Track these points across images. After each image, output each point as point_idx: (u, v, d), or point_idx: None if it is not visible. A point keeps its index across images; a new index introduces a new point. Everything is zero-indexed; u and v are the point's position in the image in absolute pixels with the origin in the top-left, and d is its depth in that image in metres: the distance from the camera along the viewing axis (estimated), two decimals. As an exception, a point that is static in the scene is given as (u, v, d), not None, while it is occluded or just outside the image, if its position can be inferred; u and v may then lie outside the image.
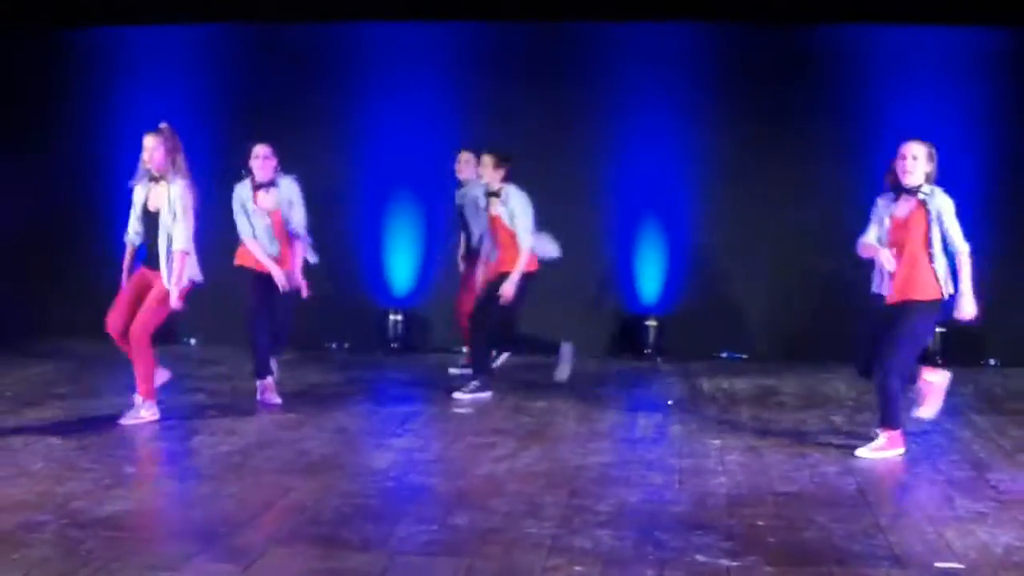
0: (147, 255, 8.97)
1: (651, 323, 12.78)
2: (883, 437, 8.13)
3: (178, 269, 8.79)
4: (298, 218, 9.79)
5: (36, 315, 13.08)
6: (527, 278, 10.23)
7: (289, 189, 9.73)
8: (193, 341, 13.40)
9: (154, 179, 8.83)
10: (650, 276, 12.96)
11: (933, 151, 8.06)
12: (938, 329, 12.32)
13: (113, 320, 8.93)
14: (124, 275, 9.09)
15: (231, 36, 13.30)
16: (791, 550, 5.99)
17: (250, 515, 6.49)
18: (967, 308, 8.08)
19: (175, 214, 8.73)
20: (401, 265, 13.06)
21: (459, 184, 11.31)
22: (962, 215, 12.36)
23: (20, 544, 5.88)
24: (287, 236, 9.80)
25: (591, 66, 12.85)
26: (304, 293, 9.93)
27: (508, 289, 10.09)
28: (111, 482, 7.32)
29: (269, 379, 9.89)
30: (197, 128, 13.01)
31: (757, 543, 6.08)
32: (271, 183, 9.69)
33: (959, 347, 12.33)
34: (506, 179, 10.22)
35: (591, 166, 12.66)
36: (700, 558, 5.82)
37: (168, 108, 12.88)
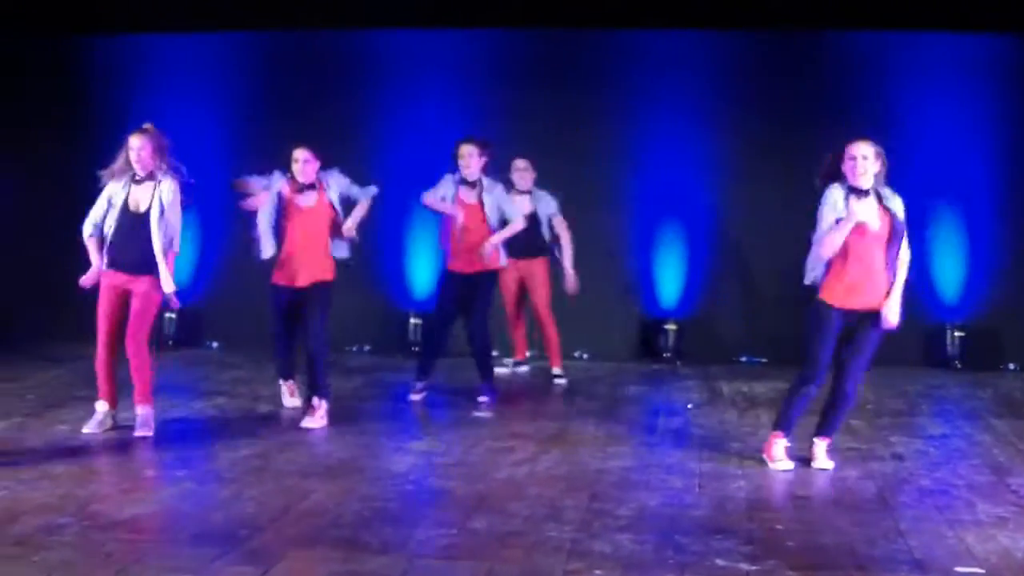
0: (125, 258, 8.52)
1: (670, 327, 12.77)
2: (826, 442, 7.99)
3: (171, 269, 8.55)
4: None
5: (51, 319, 13.12)
6: (495, 275, 10.24)
7: (339, 184, 9.50)
8: (215, 345, 13.43)
9: (137, 180, 8.52)
10: (669, 280, 12.96)
11: (881, 150, 7.73)
12: (957, 333, 12.34)
13: (106, 340, 8.63)
14: (98, 267, 8.61)
15: (252, 44, 13.33)
16: (811, 554, 6.00)
17: (270, 518, 6.51)
18: (895, 316, 7.74)
19: (166, 213, 8.47)
20: (421, 269, 13.08)
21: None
22: (978, 219, 12.39)
23: (41, 546, 5.92)
24: (320, 237, 9.38)
25: (610, 73, 12.86)
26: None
27: (492, 246, 10.04)
28: (132, 485, 7.37)
29: (288, 381, 9.85)
30: (218, 136, 13.13)
31: (777, 547, 6.09)
32: (310, 186, 9.34)
33: (978, 351, 12.31)
34: (484, 169, 10.14)
35: (610, 171, 12.67)
36: (720, 562, 5.83)
37: (189, 115, 12.98)
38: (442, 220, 10.18)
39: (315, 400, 9.27)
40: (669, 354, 12.72)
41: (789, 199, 12.36)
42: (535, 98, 12.68)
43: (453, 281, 10.16)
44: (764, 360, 12.62)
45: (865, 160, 7.65)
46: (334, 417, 9.26)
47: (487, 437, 8.79)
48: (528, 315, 11.71)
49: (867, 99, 12.26)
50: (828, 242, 7.68)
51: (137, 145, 8.44)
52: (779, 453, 7.95)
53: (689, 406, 10.23)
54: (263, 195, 9.39)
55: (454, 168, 10.12)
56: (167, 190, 8.49)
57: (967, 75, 12.37)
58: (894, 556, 5.97)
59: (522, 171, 11.25)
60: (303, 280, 9.32)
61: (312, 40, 13.14)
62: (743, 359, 12.73)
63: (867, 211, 7.67)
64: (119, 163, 8.53)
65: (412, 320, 13.00)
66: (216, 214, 13.25)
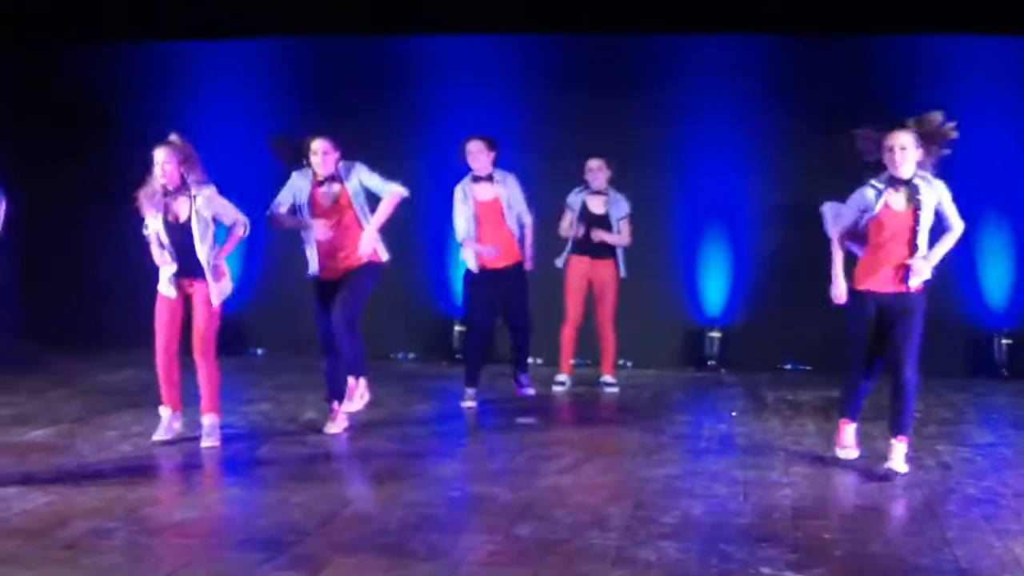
0: (181, 264, 8.48)
1: (715, 334, 12.76)
2: (904, 444, 7.87)
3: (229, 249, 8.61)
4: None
5: (97, 327, 13.23)
6: (522, 266, 10.30)
7: (362, 177, 8.97)
8: (259, 352, 13.49)
9: (168, 193, 8.41)
10: (713, 287, 12.95)
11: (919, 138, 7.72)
12: (1004, 341, 12.26)
13: (165, 346, 8.64)
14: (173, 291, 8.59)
15: (294, 50, 13.40)
16: (857, 563, 5.98)
17: (316, 524, 6.54)
18: (922, 268, 7.74)
19: (207, 220, 8.42)
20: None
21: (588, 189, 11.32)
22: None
23: (90, 550, 5.98)
24: (350, 230, 8.95)
25: (654, 78, 12.84)
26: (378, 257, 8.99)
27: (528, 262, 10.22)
28: (180, 490, 7.44)
29: (334, 403, 9.16)
30: (260, 142, 13.16)
31: (823, 555, 6.07)
32: (331, 178, 8.95)
33: (1025, 358, 12.26)
34: (494, 163, 10.17)
35: (654, 178, 12.62)
36: (765, 570, 5.82)
37: (230, 122, 13.07)
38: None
39: (351, 379, 9.00)
40: (713, 362, 12.71)
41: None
42: (580, 103, 12.67)
43: (481, 278, 10.18)
44: (808, 368, 12.59)
45: (904, 151, 7.66)
46: (379, 423, 9.29)
47: (532, 444, 8.80)
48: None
49: (913, 104, 12.08)
50: (834, 232, 8.10)
51: (162, 159, 8.36)
52: (847, 439, 8.11)
53: (733, 414, 10.21)
54: (293, 220, 9.08)
55: (467, 167, 10.18)
56: (202, 203, 8.43)
57: (1015, 79, 12.30)
58: (941, 566, 5.94)
59: (595, 171, 11.20)
60: (343, 272, 8.98)
61: (363, 46, 13.17)
62: (787, 367, 12.70)
63: (899, 201, 7.75)
64: (153, 183, 8.42)
65: (456, 327, 13.02)
66: (258, 221, 13.29)
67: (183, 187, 8.44)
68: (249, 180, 13.04)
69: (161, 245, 8.50)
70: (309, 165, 9.00)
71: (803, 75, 12.59)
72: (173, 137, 8.51)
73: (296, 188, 9.04)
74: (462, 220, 10.22)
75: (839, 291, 8.00)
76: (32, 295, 13.67)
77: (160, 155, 8.37)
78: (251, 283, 13.52)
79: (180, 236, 8.46)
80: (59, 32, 13.13)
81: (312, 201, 9.02)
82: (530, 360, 10.93)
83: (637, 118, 12.78)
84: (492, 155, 10.16)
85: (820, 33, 12.39)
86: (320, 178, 8.98)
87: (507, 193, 10.18)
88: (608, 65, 12.89)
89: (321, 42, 13.29)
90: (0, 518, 6.53)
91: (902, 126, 7.78)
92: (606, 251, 11.21)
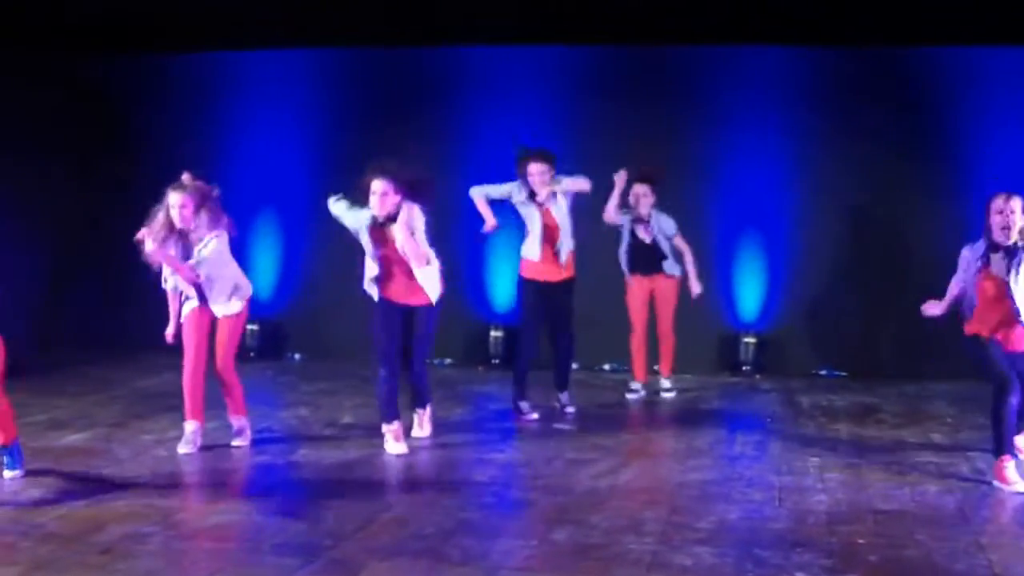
0: (202, 295, 8.51)
1: (750, 340, 12.72)
2: None
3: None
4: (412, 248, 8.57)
5: (133, 330, 13.29)
6: (572, 283, 10.22)
7: (407, 219, 8.52)
8: (297, 357, 13.53)
9: (183, 233, 8.35)
10: (749, 293, 12.92)
11: None
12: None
13: (195, 364, 8.59)
14: (176, 319, 8.70)
15: (337, 61, 13.45)
16: (891, 568, 5.97)
17: (353, 528, 6.57)
18: None
19: (215, 262, 8.36)
20: (503, 281, 13.10)
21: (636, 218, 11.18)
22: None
23: (126, 555, 6.02)
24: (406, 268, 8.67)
25: (693, 88, 12.83)
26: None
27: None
28: (215, 494, 7.46)
29: (394, 424, 8.79)
30: (302, 151, 13.24)
31: (857, 561, 6.07)
32: (390, 218, 8.54)
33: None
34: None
35: (691, 185, 12.59)
36: (800, 575, 5.82)
37: (273, 131, 13.15)
38: (524, 229, 10.19)
39: (419, 408, 9.24)
40: (748, 367, 12.67)
41: (870, 214, 12.35)
42: (618, 113, 12.68)
43: (531, 288, 10.14)
44: (843, 374, 12.55)
45: (1012, 215, 7.55)
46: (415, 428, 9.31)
47: (568, 449, 8.81)
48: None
49: (954, 117, 12.18)
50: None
51: (178, 203, 8.25)
52: (1012, 476, 7.70)
53: (768, 419, 10.20)
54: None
55: (523, 181, 10.02)
56: (212, 245, 8.35)
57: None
58: (975, 571, 5.93)
59: (640, 196, 11.06)
60: (414, 300, 8.79)
61: (403, 57, 13.21)
62: (823, 372, 12.66)
63: (1000, 266, 7.68)
64: (160, 221, 8.32)
65: (492, 333, 13.05)
66: (298, 228, 13.39)
67: (196, 229, 8.36)
68: (291, 188, 13.18)
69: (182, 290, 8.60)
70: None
71: (838, 85, 12.56)
72: (186, 179, 8.37)
73: (358, 222, 8.72)
74: (493, 191, 10.18)
75: (934, 308, 8.08)
76: (69, 300, 13.75)
77: (176, 198, 8.27)
78: (290, 289, 13.58)
79: (200, 263, 8.42)
80: (108, 45, 13.24)
81: (373, 235, 8.69)
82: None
83: (674, 127, 12.79)
84: (552, 174, 9.98)
85: (855, 44, 12.37)
86: (379, 219, 8.63)
87: (562, 210, 10.06)
88: (646, 76, 12.89)
89: (360, 53, 13.32)
90: (36, 523, 6.59)
91: (1008, 194, 7.63)
92: (660, 267, 11.19)
